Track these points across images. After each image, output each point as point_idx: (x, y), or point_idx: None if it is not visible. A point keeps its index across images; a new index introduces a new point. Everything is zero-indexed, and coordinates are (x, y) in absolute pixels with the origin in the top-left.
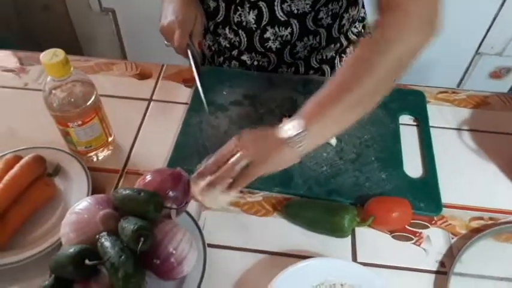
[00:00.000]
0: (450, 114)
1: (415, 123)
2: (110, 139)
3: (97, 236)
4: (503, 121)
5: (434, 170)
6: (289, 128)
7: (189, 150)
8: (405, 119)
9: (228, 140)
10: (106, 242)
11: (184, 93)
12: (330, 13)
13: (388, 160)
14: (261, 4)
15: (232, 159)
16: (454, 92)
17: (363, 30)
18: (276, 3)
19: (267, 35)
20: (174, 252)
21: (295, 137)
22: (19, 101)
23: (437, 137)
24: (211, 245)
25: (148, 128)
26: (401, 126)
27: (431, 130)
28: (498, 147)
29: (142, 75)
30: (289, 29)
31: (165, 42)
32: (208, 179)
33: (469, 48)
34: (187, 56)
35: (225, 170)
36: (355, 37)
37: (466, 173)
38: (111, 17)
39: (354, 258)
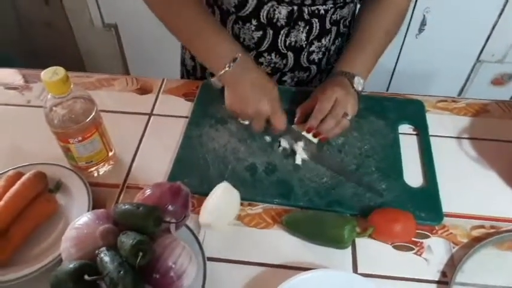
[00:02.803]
0: (450, 123)
1: (414, 133)
2: (110, 154)
3: (97, 251)
4: (503, 129)
5: (434, 179)
6: (359, 84)
7: (190, 164)
8: (405, 128)
9: (227, 154)
10: (105, 257)
11: (184, 107)
12: (350, 11)
13: (388, 170)
14: (313, 20)
15: (335, 112)
16: (453, 101)
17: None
18: (328, 15)
19: (312, 48)
20: (173, 266)
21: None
22: (22, 118)
23: (437, 146)
24: (211, 259)
25: (149, 143)
26: (401, 136)
27: (431, 139)
28: (498, 154)
29: (143, 90)
30: (329, 36)
31: (242, 121)
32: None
33: (470, 56)
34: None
35: (330, 121)
36: None
37: (467, 181)
38: (114, 33)
39: (355, 270)
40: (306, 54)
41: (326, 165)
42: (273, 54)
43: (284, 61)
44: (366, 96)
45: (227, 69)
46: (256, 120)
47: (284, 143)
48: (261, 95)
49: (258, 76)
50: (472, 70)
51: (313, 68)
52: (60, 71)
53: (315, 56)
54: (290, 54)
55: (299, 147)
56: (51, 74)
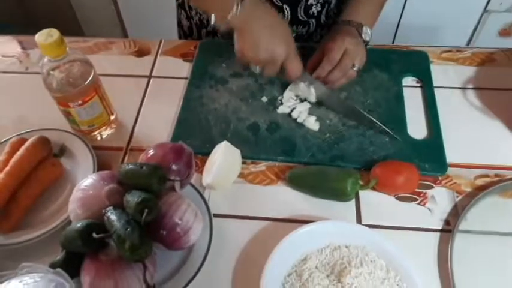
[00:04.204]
0: (454, 74)
1: (418, 85)
2: (112, 117)
3: (103, 211)
4: (508, 77)
5: (438, 130)
6: (367, 34)
7: (192, 125)
8: (409, 80)
9: (229, 114)
10: (112, 215)
11: (183, 68)
12: None
13: (392, 123)
14: None
15: (344, 63)
16: (458, 51)
17: None
18: None
19: (310, 1)
20: (179, 222)
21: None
22: (21, 86)
23: (441, 97)
24: (217, 215)
25: (150, 105)
26: (404, 89)
27: (436, 90)
28: (503, 104)
29: (141, 52)
30: None
31: (256, 70)
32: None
33: (477, 5)
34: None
35: (338, 72)
36: None
37: (471, 131)
38: None
39: (359, 221)
40: (303, 7)
41: (336, 108)
42: None
43: (280, 14)
44: (369, 49)
45: (235, 10)
46: (270, 66)
47: (284, 107)
48: (275, 38)
49: (271, 17)
50: (479, 21)
51: (312, 22)
52: (54, 32)
53: (313, 9)
54: (286, 7)
55: (311, 89)
56: (46, 36)
